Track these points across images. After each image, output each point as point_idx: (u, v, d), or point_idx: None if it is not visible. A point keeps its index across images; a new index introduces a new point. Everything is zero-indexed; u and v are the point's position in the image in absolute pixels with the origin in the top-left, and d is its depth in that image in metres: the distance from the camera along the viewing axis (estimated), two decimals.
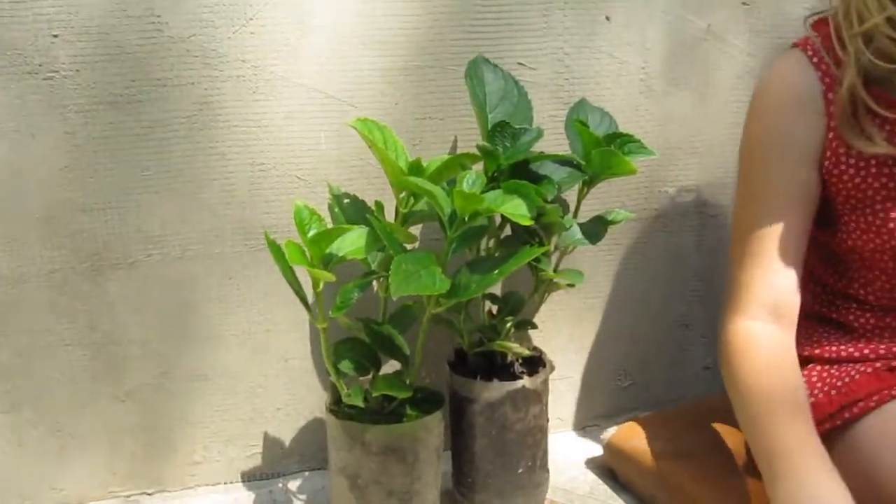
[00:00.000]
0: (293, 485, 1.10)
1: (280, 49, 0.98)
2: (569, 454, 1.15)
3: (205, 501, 1.08)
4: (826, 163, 0.86)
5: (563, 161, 0.92)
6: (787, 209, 0.87)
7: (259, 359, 1.07)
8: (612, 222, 0.94)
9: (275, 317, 1.06)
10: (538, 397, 0.94)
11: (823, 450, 0.77)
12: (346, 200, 0.97)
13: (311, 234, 0.81)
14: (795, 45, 0.89)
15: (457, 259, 0.84)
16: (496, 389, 0.92)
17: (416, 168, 0.88)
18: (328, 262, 0.83)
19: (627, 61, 1.09)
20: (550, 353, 1.05)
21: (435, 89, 1.04)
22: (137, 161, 0.98)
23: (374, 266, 0.89)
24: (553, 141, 1.03)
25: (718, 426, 1.04)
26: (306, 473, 1.12)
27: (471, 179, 0.82)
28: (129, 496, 1.08)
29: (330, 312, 0.83)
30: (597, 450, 1.14)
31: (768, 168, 0.87)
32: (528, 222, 0.77)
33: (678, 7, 1.09)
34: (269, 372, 1.08)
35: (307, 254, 0.80)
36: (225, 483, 1.11)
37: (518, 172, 0.88)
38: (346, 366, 0.89)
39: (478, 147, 0.88)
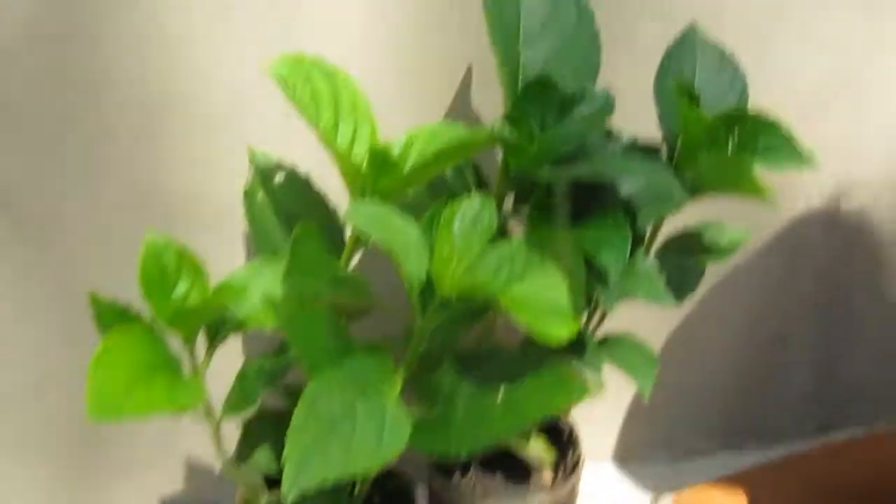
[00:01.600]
0: None
1: None
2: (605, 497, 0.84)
3: None
4: None
5: (644, 151, 0.53)
6: None
7: None
8: (715, 255, 0.56)
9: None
10: None
11: None
12: (279, 177, 0.60)
13: (177, 293, 0.46)
14: None
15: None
16: (499, 499, 0.59)
17: (381, 160, 0.49)
18: (216, 331, 0.48)
19: None
20: None
21: None
22: None
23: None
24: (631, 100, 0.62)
25: None
26: None
27: (472, 213, 0.44)
28: None
29: (222, 411, 0.49)
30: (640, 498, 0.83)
31: None
32: (567, 332, 0.40)
33: None
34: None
35: (159, 341, 0.44)
36: None
37: (559, 173, 0.49)
38: (262, 461, 0.56)
39: (494, 130, 0.49)
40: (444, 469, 0.61)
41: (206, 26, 0.61)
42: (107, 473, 0.75)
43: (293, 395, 0.55)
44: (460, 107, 0.66)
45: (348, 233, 0.60)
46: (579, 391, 0.42)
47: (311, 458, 0.38)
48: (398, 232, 0.43)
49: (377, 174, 0.50)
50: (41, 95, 0.61)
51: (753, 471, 0.78)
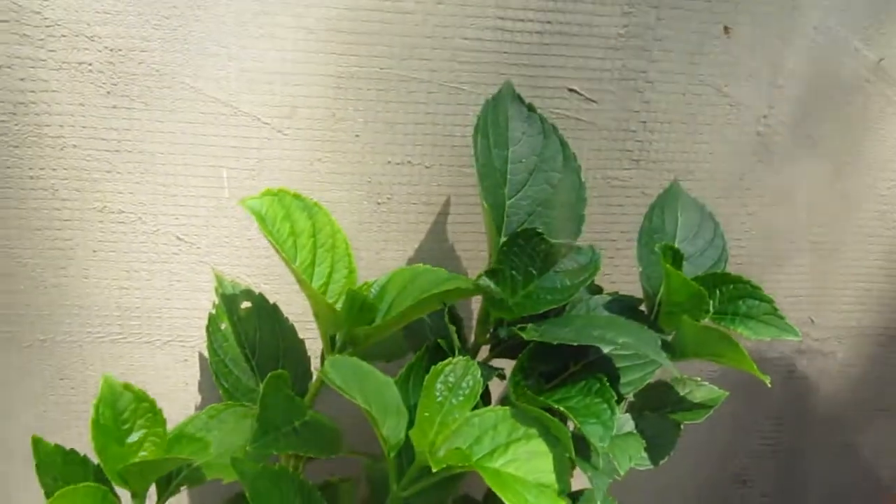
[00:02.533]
0: None
1: (160, 24, 0.56)
2: None
3: None
4: None
5: (626, 308, 0.52)
6: None
7: None
8: (691, 414, 0.55)
9: None
10: None
11: None
12: (245, 304, 0.57)
13: (132, 439, 0.42)
14: None
15: None
16: None
17: (358, 305, 0.47)
18: (169, 481, 0.44)
19: (742, 103, 0.67)
20: None
21: (425, 117, 0.62)
22: None
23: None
24: (599, 229, 0.63)
25: None
26: None
27: (454, 377, 0.42)
28: None
29: None
30: None
31: None
32: None
33: (839, 25, 0.66)
34: None
35: (112, 496, 0.40)
36: None
37: (543, 333, 0.48)
38: None
39: (477, 285, 0.48)
40: None
41: None
42: None
43: None
44: (435, 237, 0.65)
45: (314, 366, 0.57)
46: None
47: None
48: (376, 392, 0.41)
49: (353, 318, 0.48)
50: None
51: None
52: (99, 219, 0.60)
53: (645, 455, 0.52)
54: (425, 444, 0.39)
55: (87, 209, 0.60)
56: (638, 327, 0.47)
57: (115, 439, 0.41)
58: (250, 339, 0.56)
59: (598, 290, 0.54)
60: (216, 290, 0.56)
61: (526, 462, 0.39)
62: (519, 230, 0.50)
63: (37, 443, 0.41)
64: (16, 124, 0.57)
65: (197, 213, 0.61)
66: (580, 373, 0.47)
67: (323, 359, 0.54)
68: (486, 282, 0.46)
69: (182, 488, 0.45)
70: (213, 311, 0.56)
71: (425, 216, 0.65)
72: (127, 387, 0.42)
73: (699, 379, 0.58)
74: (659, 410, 0.55)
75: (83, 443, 0.64)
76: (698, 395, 0.57)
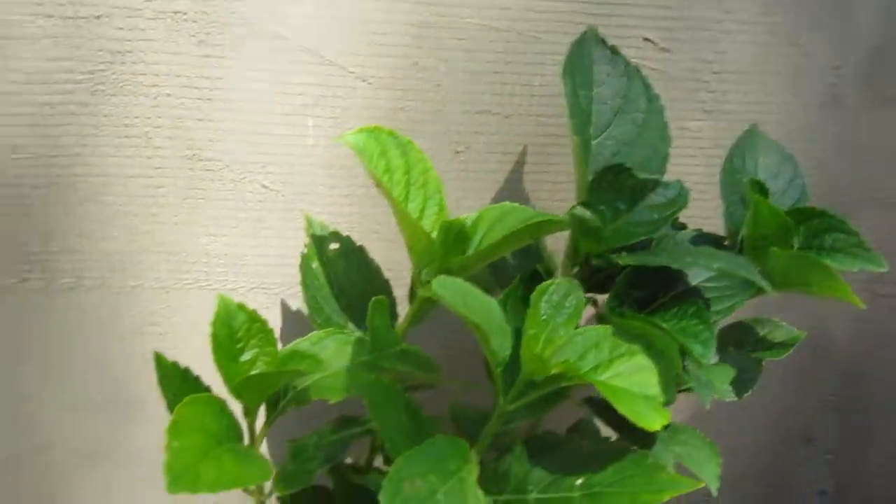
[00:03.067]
0: None
1: None
2: None
3: None
4: None
5: (713, 243, 0.53)
6: None
7: None
8: (772, 351, 0.56)
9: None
10: None
11: None
12: (333, 246, 0.59)
13: (244, 358, 0.44)
14: None
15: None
16: None
17: (451, 235, 0.49)
18: (276, 402, 0.46)
19: (815, 54, 0.68)
20: None
21: (504, 66, 0.63)
22: (4, 137, 0.60)
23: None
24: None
25: None
26: None
27: (557, 296, 0.43)
28: None
29: (273, 489, 0.47)
30: None
31: None
32: (660, 424, 0.39)
33: None
34: None
35: (226, 411, 0.42)
36: None
37: (633, 274, 0.49)
38: None
39: (570, 215, 0.49)
40: None
41: None
42: None
43: (341, 474, 0.53)
44: (512, 187, 0.66)
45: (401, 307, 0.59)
46: (671, 486, 0.41)
47: None
48: (482, 310, 0.42)
49: (448, 249, 0.49)
50: None
51: None
52: (189, 166, 0.62)
53: (730, 388, 0.53)
54: (533, 358, 0.41)
55: (179, 157, 0.62)
56: (729, 254, 0.48)
57: (230, 357, 0.43)
58: (339, 280, 0.58)
59: (682, 227, 0.55)
60: (306, 230, 0.58)
61: (630, 376, 0.40)
62: (608, 166, 0.51)
63: (159, 358, 0.43)
64: (113, 73, 0.59)
65: (283, 160, 0.63)
66: (670, 302, 0.48)
67: (412, 296, 0.55)
68: (581, 211, 0.47)
69: (289, 409, 0.47)
70: (305, 251, 0.57)
71: (502, 165, 0.66)
72: (240, 307, 0.44)
73: (777, 320, 0.59)
74: (741, 348, 0.56)
75: None
76: (778, 336, 0.58)
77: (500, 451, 0.45)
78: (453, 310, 0.42)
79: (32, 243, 0.63)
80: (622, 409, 0.38)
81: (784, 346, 0.57)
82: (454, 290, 0.42)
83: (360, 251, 0.59)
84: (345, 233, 0.65)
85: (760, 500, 0.87)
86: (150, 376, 0.69)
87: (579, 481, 0.42)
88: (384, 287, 0.59)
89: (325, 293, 0.57)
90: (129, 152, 0.61)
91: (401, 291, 0.59)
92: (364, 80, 0.62)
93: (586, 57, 0.55)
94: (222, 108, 0.61)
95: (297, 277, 0.57)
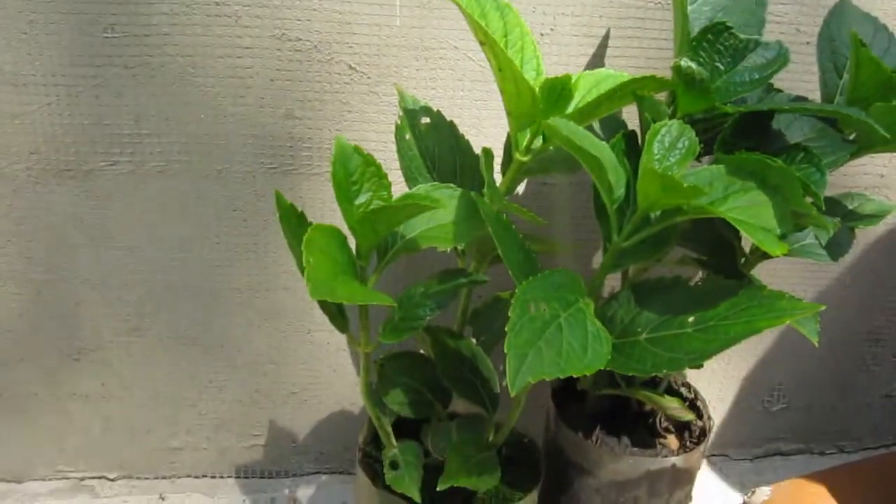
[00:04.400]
0: (304, 490, 0.80)
1: None
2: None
3: (183, 498, 0.79)
4: None
5: (798, 104, 0.52)
6: None
7: (270, 325, 0.74)
8: (864, 221, 0.56)
9: (296, 270, 0.71)
10: (688, 478, 0.60)
11: None
12: (425, 120, 0.60)
13: (359, 201, 0.45)
14: None
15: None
16: (631, 464, 0.58)
17: (556, 91, 0.49)
18: (386, 249, 0.47)
19: None
20: None
21: None
22: (98, 15, 0.60)
23: (465, 261, 0.53)
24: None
25: None
26: (323, 477, 0.82)
27: (670, 138, 0.44)
28: (82, 479, 0.79)
29: (379, 336, 0.48)
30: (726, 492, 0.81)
31: None
32: (780, 251, 0.39)
33: None
34: (282, 343, 0.75)
35: (348, 246, 0.43)
36: (213, 477, 0.81)
37: (739, 125, 0.49)
38: (396, 400, 0.55)
39: (674, 69, 0.49)
40: (573, 437, 0.60)
41: None
42: None
43: (437, 336, 0.55)
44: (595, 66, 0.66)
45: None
46: (791, 310, 0.41)
47: (527, 356, 0.37)
48: (598, 147, 0.42)
49: (550, 105, 0.49)
50: None
51: (836, 471, 0.77)
52: (277, 46, 0.63)
53: (824, 252, 0.53)
54: (650, 190, 0.41)
55: (267, 36, 0.62)
56: (832, 105, 0.48)
57: (347, 199, 0.44)
58: (430, 152, 0.58)
59: (779, 92, 0.54)
60: (399, 104, 0.59)
61: (746, 209, 0.41)
62: (708, 25, 0.51)
63: (279, 197, 0.44)
64: None
65: (370, 41, 0.63)
66: (776, 153, 0.48)
67: (504, 167, 0.56)
68: (687, 63, 0.47)
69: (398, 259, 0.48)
70: (399, 122, 0.58)
71: (585, 49, 0.66)
72: (356, 149, 0.45)
73: (868, 194, 0.59)
74: (832, 217, 0.56)
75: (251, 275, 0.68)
76: (868, 208, 0.58)
77: (608, 297, 0.46)
78: (569, 147, 0.43)
79: (125, 125, 0.64)
80: (746, 231, 0.38)
81: (874, 217, 0.57)
82: (570, 129, 0.42)
83: (451, 126, 0.60)
84: None
85: (829, 398, 0.88)
86: (233, 267, 0.71)
87: (692, 318, 0.42)
88: (474, 163, 0.59)
89: (419, 164, 0.58)
90: (218, 31, 0.62)
91: None
92: None
93: None
94: None
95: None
